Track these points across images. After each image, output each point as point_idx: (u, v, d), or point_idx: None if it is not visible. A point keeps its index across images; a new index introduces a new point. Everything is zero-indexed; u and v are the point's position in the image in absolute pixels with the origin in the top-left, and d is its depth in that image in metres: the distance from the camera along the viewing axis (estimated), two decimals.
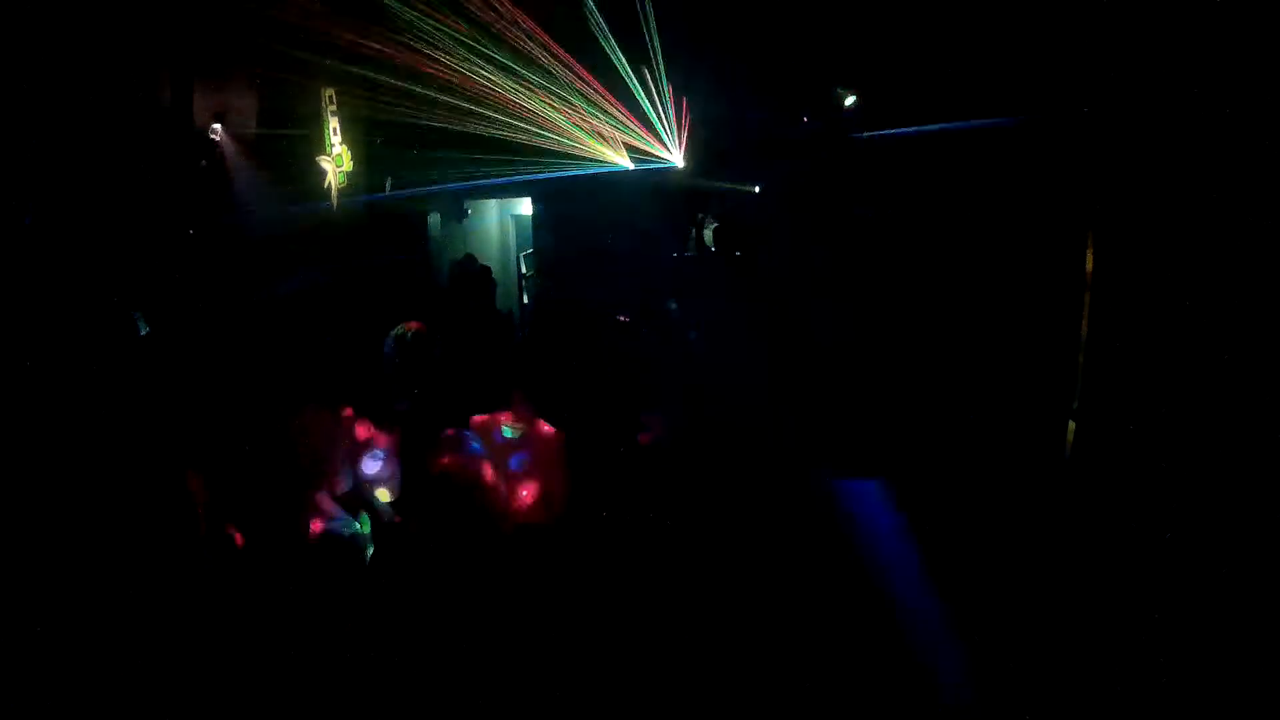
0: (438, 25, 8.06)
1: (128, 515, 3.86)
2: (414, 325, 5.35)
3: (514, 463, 4.02)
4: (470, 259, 8.60)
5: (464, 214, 11.03)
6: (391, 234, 9.56)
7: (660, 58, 9.16)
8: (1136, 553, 3.98)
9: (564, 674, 3.40)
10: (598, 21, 8.73)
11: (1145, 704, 3.35)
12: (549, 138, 9.39)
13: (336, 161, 9.48)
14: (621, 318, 6.79)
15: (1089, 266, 4.65)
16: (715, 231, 9.45)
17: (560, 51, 8.84)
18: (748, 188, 9.56)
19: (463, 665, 3.51)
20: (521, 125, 9.12)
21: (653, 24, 8.91)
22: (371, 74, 8.95)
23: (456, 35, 8.19)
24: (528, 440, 4.03)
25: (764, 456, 5.46)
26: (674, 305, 5.77)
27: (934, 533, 4.63)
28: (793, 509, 5.02)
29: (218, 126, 7.72)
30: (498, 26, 8.40)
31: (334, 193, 9.45)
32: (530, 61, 8.77)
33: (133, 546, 3.79)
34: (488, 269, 7.74)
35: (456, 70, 8.46)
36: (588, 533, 4.53)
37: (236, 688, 3.36)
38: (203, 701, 3.32)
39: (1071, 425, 4.73)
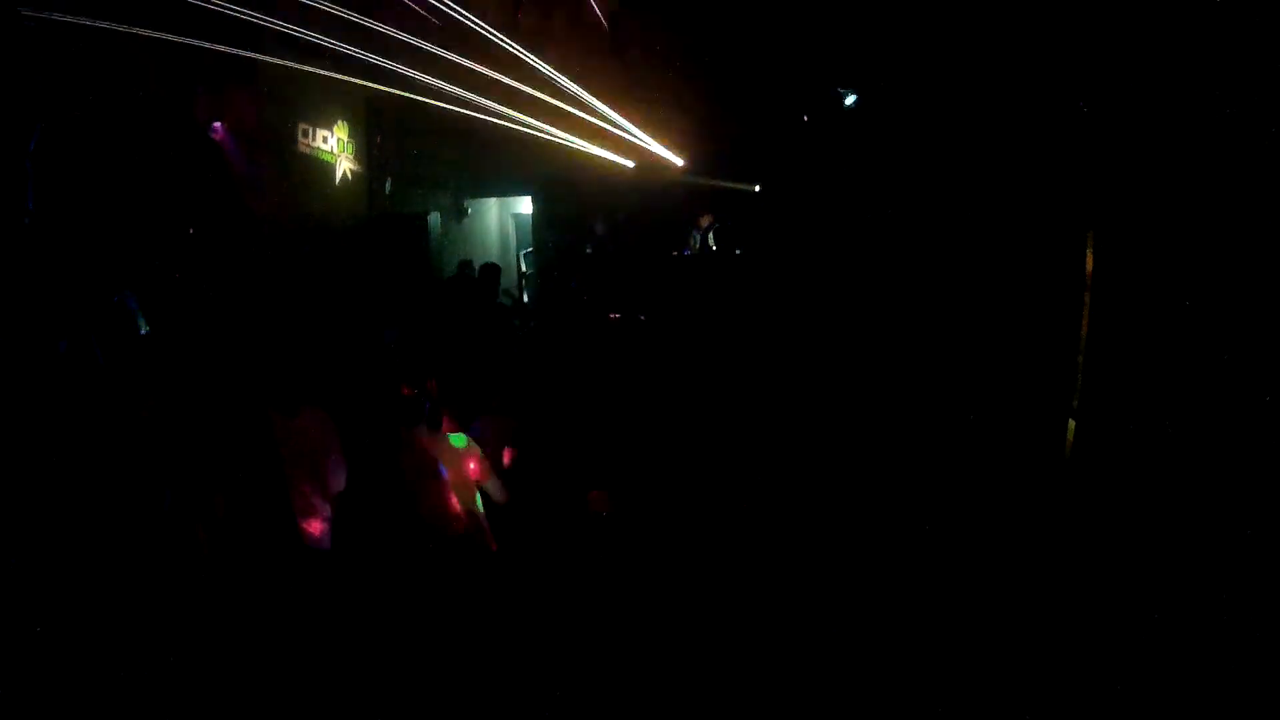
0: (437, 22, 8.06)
1: (127, 514, 3.86)
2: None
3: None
4: (467, 265, 8.62)
5: (464, 213, 11.02)
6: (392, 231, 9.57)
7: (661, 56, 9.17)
8: (1136, 552, 3.98)
9: (559, 676, 3.41)
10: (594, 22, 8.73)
11: (1145, 704, 3.35)
12: (552, 137, 9.40)
13: (340, 149, 9.52)
14: (613, 315, 6.79)
15: (1089, 266, 4.65)
16: (715, 231, 9.45)
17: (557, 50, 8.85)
18: (748, 188, 9.56)
19: (457, 665, 3.52)
20: (525, 123, 9.13)
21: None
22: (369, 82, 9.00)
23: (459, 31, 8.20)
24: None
25: (762, 455, 5.47)
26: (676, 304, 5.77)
27: (934, 533, 4.64)
28: (791, 507, 5.02)
29: (218, 126, 7.71)
30: (498, 28, 8.41)
31: (347, 174, 9.52)
32: (533, 60, 8.77)
33: (131, 545, 3.79)
34: (490, 268, 7.74)
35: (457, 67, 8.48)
36: (586, 528, 4.53)
37: (228, 686, 3.37)
38: (195, 699, 3.32)
39: (1071, 425, 4.73)
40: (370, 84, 8.15)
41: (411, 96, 8.37)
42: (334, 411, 4.13)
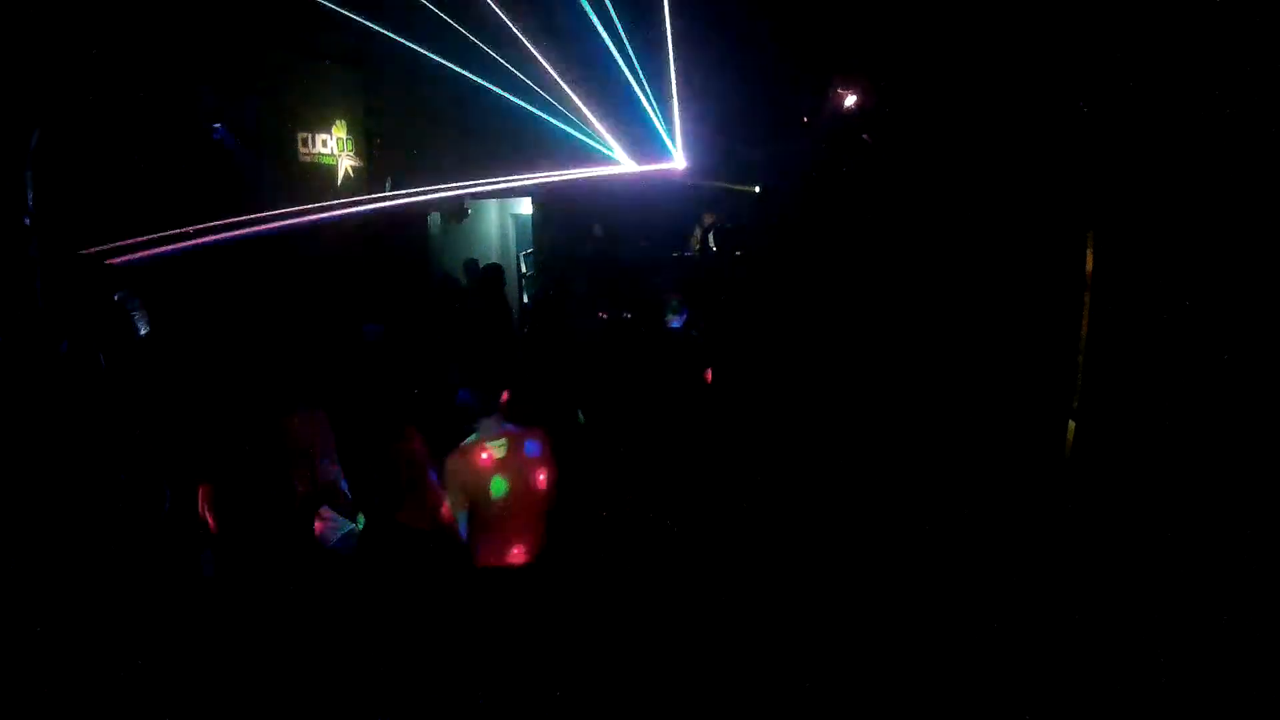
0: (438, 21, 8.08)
1: (126, 513, 3.86)
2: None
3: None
4: (473, 264, 8.63)
5: (464, 214, 11.03)
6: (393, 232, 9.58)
7: (661, 57, 9.18)
8: (1136, 552, 3.98)
9: (563, 678, 3.41)
10: (597, 22, 8.74)
11: (1145, 704, 3.35)
12: (551, 137, 9.41)
13: (340, 148, 9.54)
14: (602, 314, 6.75)
15: (1089, 266, 4.65)
16: (716, 232, 9.45)
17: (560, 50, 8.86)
18: (749, 188, 9.57)
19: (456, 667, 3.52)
20: (524, 123, 9.15)
21: (650, 24, 8.92)
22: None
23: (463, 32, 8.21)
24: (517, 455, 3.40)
25: (763, 455, 5.47)
26: (675, 304, 5.77)
27: (934, 532, 4.64)
28: (791, 507, 5.02)
29: (219, 126, 7.72)
30: (499, 23, 8.42)
31: (349, 171, 9.55)
32: (533, 59, 8.79)
33: (131, 544, 3.79)
34: (495, 267, 7.77)
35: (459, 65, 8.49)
36: (586, 534, 4.52)
37: (228, 685, 3.37)
38: (195, 698, 3.32)
39: (1071, 425, 4.73)
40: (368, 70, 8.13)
41: (411, 86, 8.37)
42: (331, 411, 4.13)
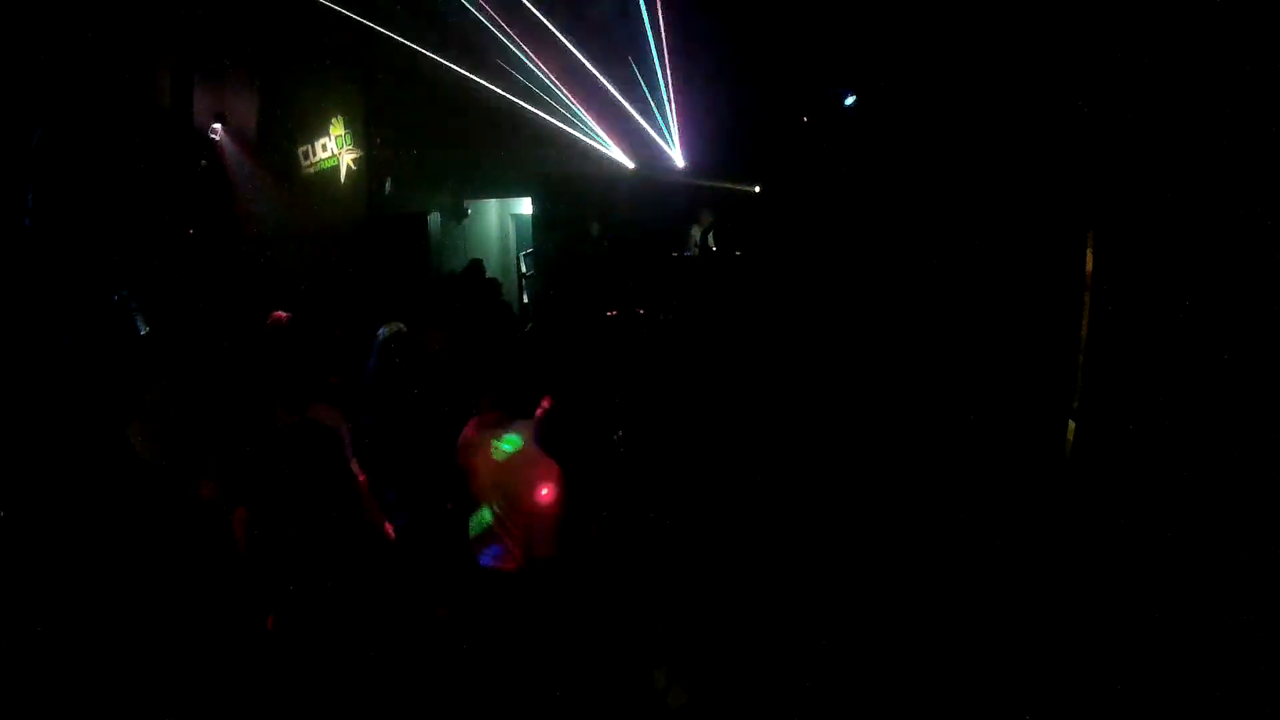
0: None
1: (129, 515, 3.86)
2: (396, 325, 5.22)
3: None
4: (479, 264, 8.65)
5: (464, 213, 11.02)
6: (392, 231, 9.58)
7: (661, 56, 9.18)
8: (1136, 552, 3.98)
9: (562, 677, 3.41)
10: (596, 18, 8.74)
11: (1145, 704, 3.35)
12: (551, 133, 9.41)
13: (340, 145, 9.54)
14: (610, 312, 6.72)
15: (1089, 266, 4.65)
16: (715, 232, 9.45)
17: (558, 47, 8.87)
18: (748, 187, 9.56)
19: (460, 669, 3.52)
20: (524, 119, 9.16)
21: (653, 22, 8.93)
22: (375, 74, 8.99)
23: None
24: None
25: (762, 456, 5.47)
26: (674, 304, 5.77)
27: (934, 532, 4.64)
28: (790, 508, 5.02)
29: (218, 126, 7.73)
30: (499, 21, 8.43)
31: (350, 166, 9.56)
32: (531, 58, 8.79)
33: (134, 546, 3.79)
34: (475, 265, 7.81)
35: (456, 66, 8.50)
36: (585, 535, 4.52)
37: (231, 684, 3.37)
38: (199, 697, 3.32)
39: (1071, 425, 4.73)
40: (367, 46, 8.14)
41: (411, 85, 8.39)
42: (344, 408, 4.13)
